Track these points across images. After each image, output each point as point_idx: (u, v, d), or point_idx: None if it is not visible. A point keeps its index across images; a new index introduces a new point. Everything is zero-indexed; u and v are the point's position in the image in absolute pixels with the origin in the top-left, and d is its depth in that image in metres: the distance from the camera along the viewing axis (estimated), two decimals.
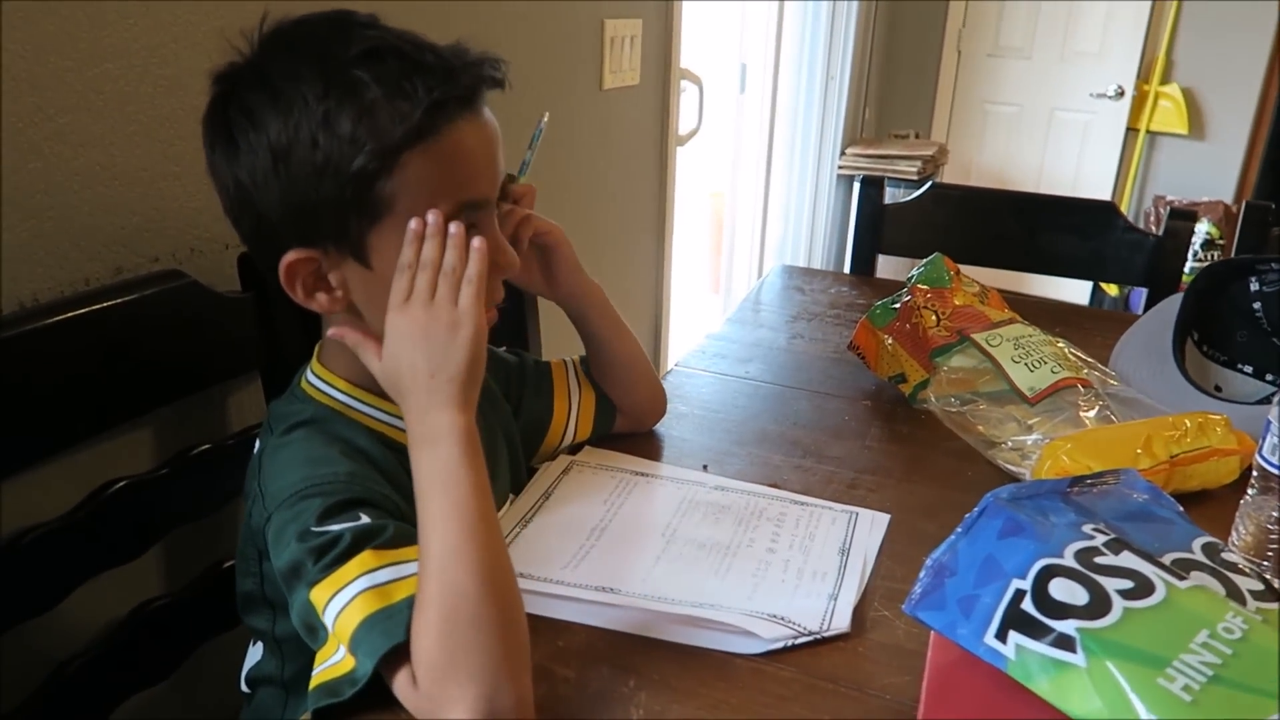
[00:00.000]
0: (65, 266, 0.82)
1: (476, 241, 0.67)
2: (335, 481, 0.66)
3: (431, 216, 0.66)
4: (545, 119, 0.91)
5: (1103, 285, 3.67)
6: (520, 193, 0.85)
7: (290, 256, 0.67)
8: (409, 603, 0.60)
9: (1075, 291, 3.61)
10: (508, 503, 0.86)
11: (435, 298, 0.65)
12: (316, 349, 0.77)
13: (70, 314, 0.77)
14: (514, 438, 0.90)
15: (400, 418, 0.73)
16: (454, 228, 0.66)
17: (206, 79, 0.68)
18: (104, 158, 0.84)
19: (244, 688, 0.82)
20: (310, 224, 0.66)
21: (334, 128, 0.63)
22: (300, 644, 0.67)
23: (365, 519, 0.63)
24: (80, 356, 0.78)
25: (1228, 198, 3.65)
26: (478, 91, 0.68)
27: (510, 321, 1.21)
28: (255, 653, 0.81)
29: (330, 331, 0.71)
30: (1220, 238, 3.48)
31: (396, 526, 0.64)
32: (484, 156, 0.69)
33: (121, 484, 0.82)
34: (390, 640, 0.58)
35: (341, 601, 0.60)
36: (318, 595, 0.61)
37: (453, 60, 0.66)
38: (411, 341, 0.65)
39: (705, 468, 0.95)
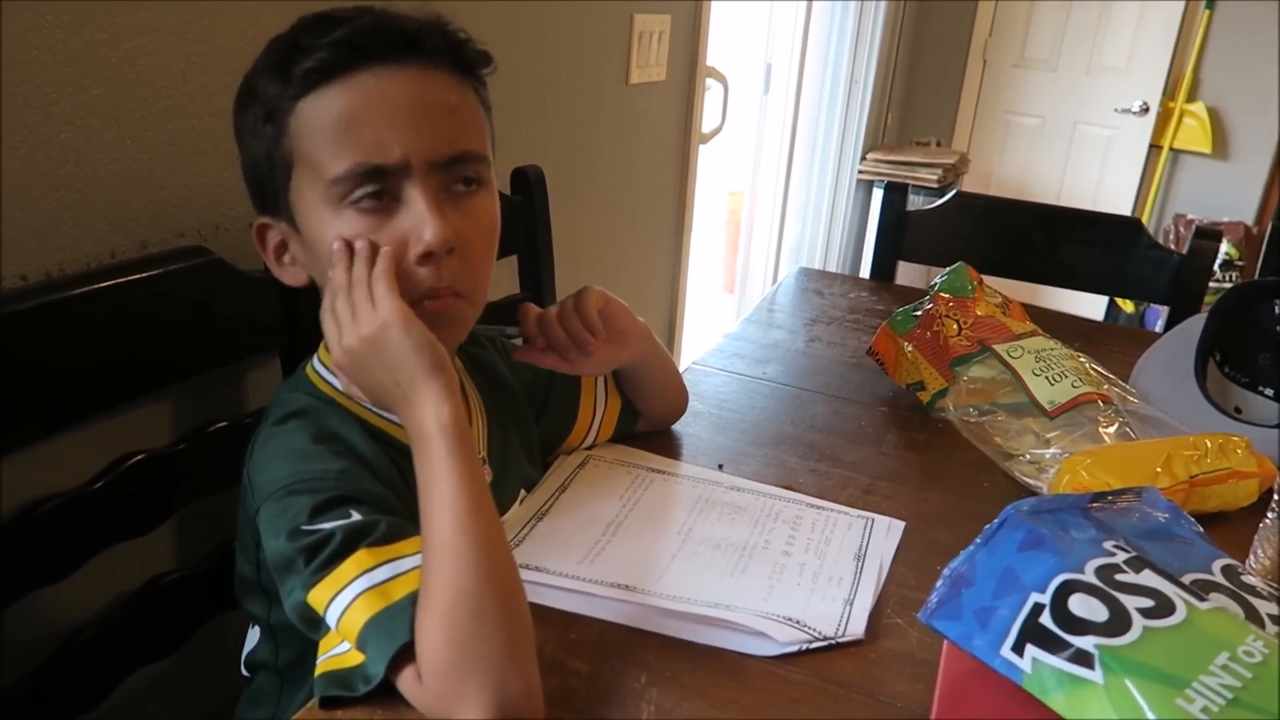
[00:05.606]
0: (91, 239, 0.82)
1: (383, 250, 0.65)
2: (325, 478, 0.65)
3: (336, 244, 0.65)
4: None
5: (1118, 301, 3.65)
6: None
7: (257, 222, 0.71)
8: (411, 599, 0.59)
9: (1090, 306, 3.60)
10: (519, 498, 0.86)
11: (355, 315, 0.64)
12: None
13: (94, 286, 0.77)
14: (531, 437, 0.90)
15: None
16: (360, 244, 0.65)
17: (238, 57, 0.70)
18: (134, 131, 0.84)
19: (244, 671, 0.82)
20: (255, 186, 0.70)
21: (265, 87, 0.65)
22: (295, 632, 0.66)
23: (356, 515, 0.62)
24: (102, 329, 0.78)
25: (1248, 219, 3.63)
26: (415, 42, 0.65)
27: None
28: (253, 636, 0.80)
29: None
30: (1240, 259, 3.46)
31: (389, 522, 0.63)
32: (404, 112, 0.64)
33: (139, 457, 0.82)
34: (396, 641, 0.57)
35: (343, 604, 0.59)
36: (316, 597, 0.61)
37: (400, 16, 0.65)
38: (365, 366, 0.65)
39: (721, 467, 0.95)
